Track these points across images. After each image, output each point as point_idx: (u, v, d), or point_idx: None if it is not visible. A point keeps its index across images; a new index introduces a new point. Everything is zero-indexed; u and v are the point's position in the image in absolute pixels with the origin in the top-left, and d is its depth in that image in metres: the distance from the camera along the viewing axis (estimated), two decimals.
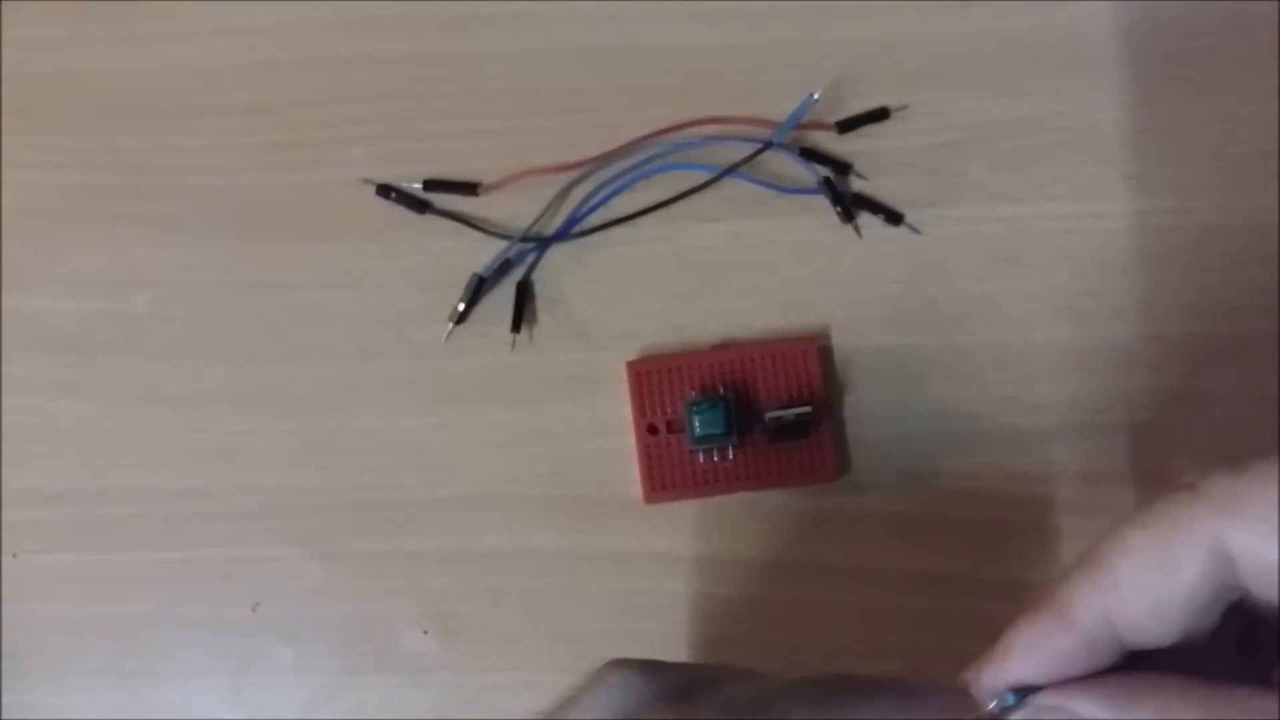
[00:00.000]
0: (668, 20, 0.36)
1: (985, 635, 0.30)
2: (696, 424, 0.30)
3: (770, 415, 0.30)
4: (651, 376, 0.32)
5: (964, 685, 0.19)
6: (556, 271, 0.34)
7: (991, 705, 0.19)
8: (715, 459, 0.31)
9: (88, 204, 0.36)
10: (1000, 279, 0.33)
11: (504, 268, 0.34)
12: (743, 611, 0.31)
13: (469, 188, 0.35)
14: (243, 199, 0.36)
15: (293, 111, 0.36)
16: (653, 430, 0.31)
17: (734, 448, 0.31)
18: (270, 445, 0.34)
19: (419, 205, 0.35)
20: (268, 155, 0.36)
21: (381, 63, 0.37)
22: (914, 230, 0.33)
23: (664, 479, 0.31)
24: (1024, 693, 0.18)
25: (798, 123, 0.33)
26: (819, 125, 0.34)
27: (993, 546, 0.31)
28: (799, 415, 0.30)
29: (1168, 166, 0.33)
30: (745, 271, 0.34)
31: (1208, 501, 0.17)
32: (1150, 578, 0.17)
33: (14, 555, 0.33)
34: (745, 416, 0.31)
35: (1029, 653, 0.18)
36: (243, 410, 0.34)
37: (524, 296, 0.34)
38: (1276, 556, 0.16)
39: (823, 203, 0.33)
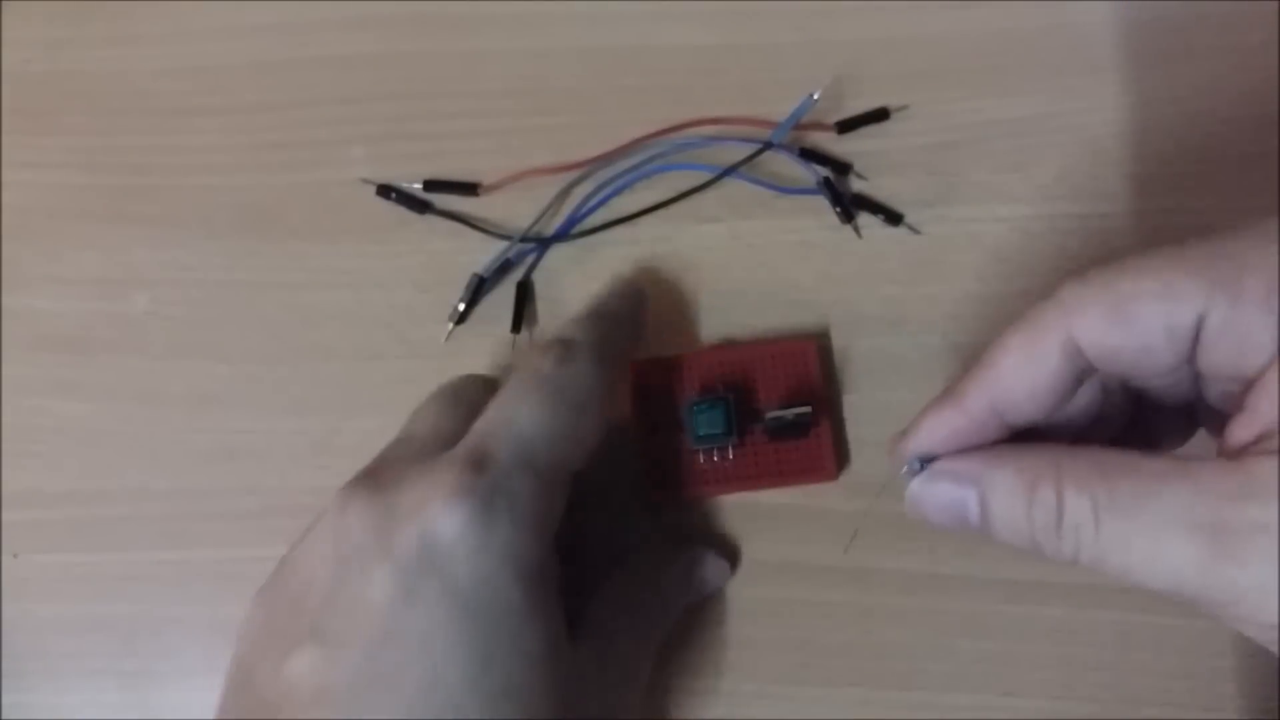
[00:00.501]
0: (668, 20, 0.36)
1: (988, 636, 0.30)
2: (698, 424, 0.30)
3: (770, 416, 0.30)
4: (653, 377, 0.32)
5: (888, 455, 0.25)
6: (557, 272, 0.34)
7: (904, 470, 0.24)
8: (716, 459, 0.31)
9: (88, 204, 0.36)
10: (1000, 279, 0.33)
11: (504, 268, 0.34)
12: (742, 611, 0.31)
13: (469, 188, 0.35)
14: (243, 199, 0.36)
15: (293, 111, 0.36)
16: (654, 430, 0.31)
17: (734, 448, 0.31)
18: (270, 445, 0.34)
19: (419, 205, 0.35)
20: (268, 155, 0.36)
21: (382, 62, 0.37)
22: (914, 230, 0.33)
23: (665, 478, 0.31)
24: (928, 462, 0.23)
25: (797, 123, 0.33)
26: (819, 125, 0.34)
27: (992, 546, 0.31)
28: (798, 415, 0.30)
29: (1168, 166, 0.33)
30: (745, 271, 0.34)
31: (1060, 306, 0.22)
32: (1023, 369, 0.22)
33: (14, 555, 0.33)
34: (745, 416, 0.31)
35: (931, 430, 0.23)
36: (243, 410, 0.34)
37: (524, 297, 0.34)
38: (1111, 340, 0.21)
39: (823, 203, 0.33)
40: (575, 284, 0.34)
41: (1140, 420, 0.26)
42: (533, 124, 0.35)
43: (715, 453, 0.31)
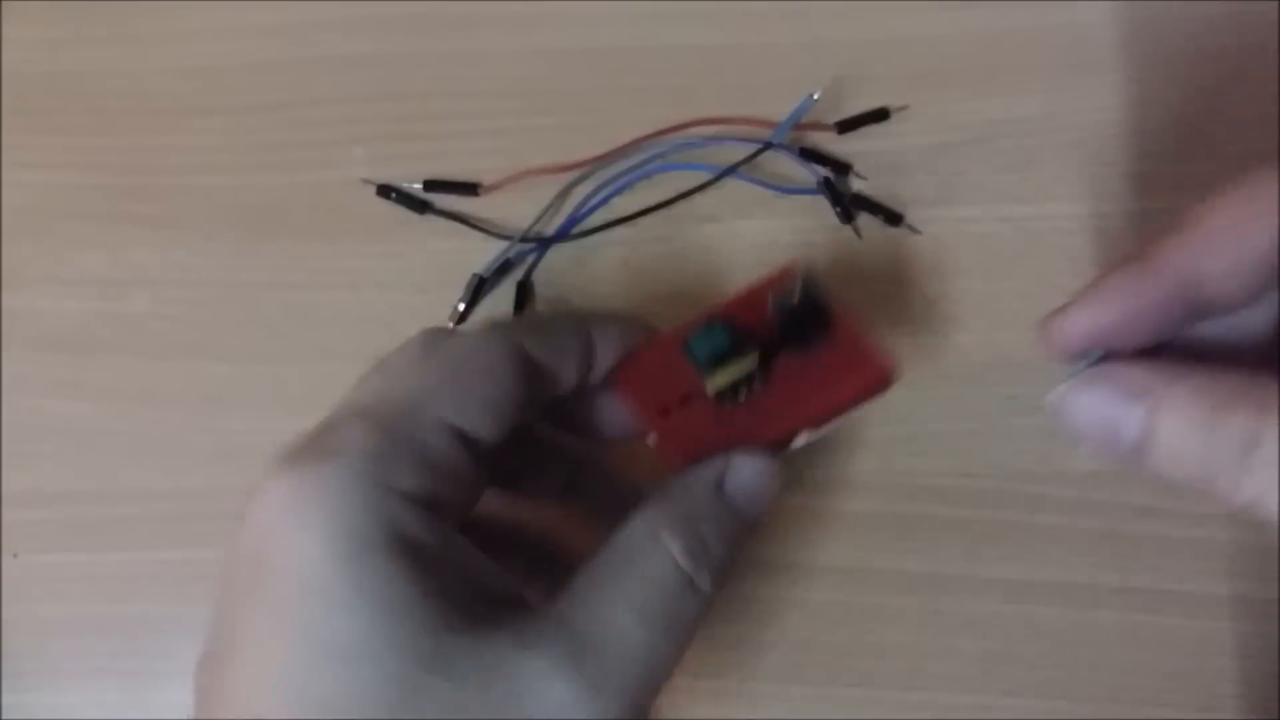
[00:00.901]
0: (668, 21, 0.36)
1: (985, 635, 0.30)
2: (699, 350, 0.25)
3: (777, 302, 0.25)
4: (634, 372, 0.27)
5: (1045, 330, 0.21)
6: (557, 272, 0.34)
7: (1073, 366, 0.20)
8: (745, 400, 0.25)
9: (88, 204, 0.36)
10: (1000, 279, 0.33)
11: (504, 268, 0.34)
12: (742, 611, 0.31)
13: (469, 188, 0.35)
14: (243, 199, 0.36)
15: (293, 111, 0.36)
16: (664, 413, 0.26)
17: (760, 380, 0.25)
18: (270, 445, 0.33)
19: (419, 205, 0.35)
20: (268, 155, 0.36)
21: (382, 63, 0.37)
22: (914, 230, 0.33)
23: (694, 447, 0.25)
24: (1098, 361, 0.20)
25: (798, 123, 0.33)
26: (819, 125, 0.34)
27: (993, 546, 0.31)
28: (805, 295, 0.25)
29: (1168, 166, 0.33)
30: (745, 272, 0.34)
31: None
32: (1232, 234, 0.19)
33: (14, 555, 0.33)
34: (750, 342, 0.25)
35: (1113, 297, 0.20)
36: (243, 410, 0.34)
37: (524, 297, 0.34)
38: None
39: (823, 203, 0.33)
40: (575, 284, 0.34)
41: None
42: (533, 124, 0.35)
43: (743, 394, 0.25)
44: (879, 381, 0.25)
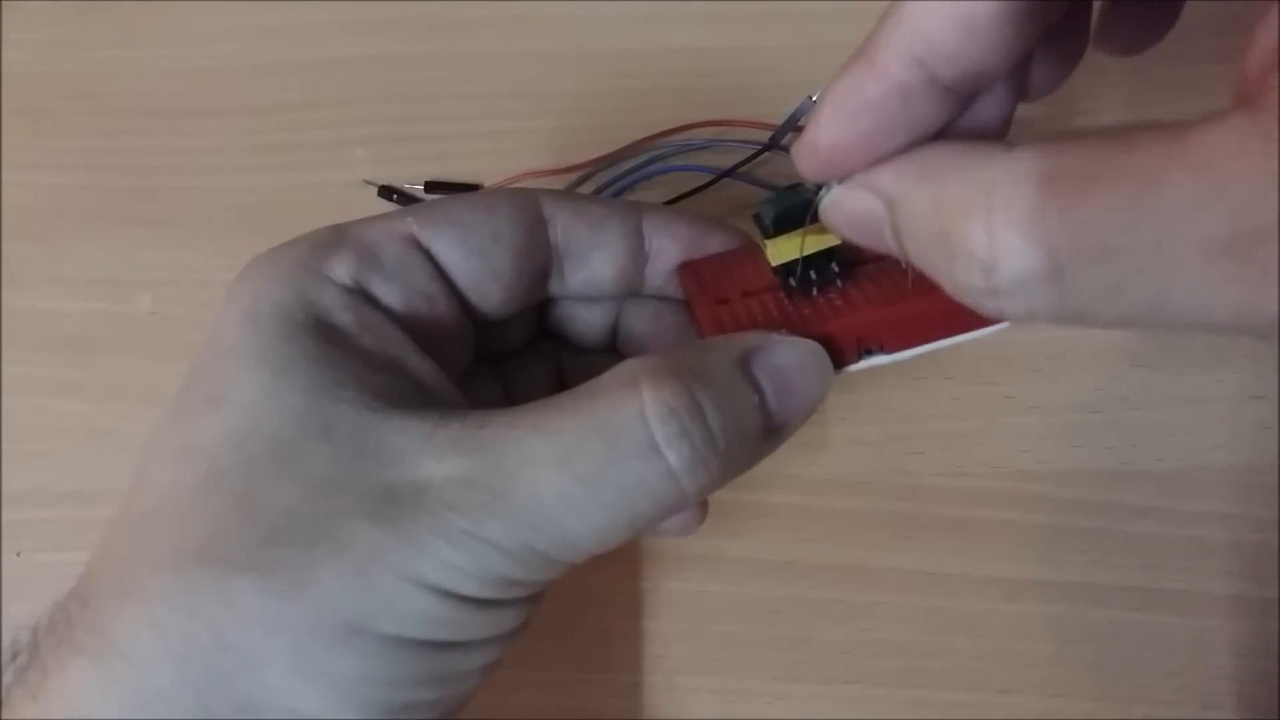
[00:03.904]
0: (668, 23, 0.36)
1: (983, 633, 0.30)
2: (767, 214, 0.21)
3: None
4: (709, 266, 0.23)
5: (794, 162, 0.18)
6: None
7: (820, 193, 0.18)
8: (818, 296, 0.21)
9: (90, 205, 0.36)
10: None
11: None
12: (741, 610, 0.31)
13: (470, 189, 0.35)
14: (245, 200, 0.36)
15: (295, 113, 0.37)
16: (722, 302, 0.22)
17: (841, 280, 0.21)
18: None
19: None
20: (270, 156, 0.36)
21: (383, 64, 0.37)
22: None
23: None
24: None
25: (797, 124, 0.33)
26: None
27: (990, 545, 0.31)
28: None
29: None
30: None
31: None
32: None
33: (17, 554, 0.33)
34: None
35: (838, 108, 0.17)
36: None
37: None
38: None
39: None
40: None
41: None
42: (534, 126, 0.35)
43: (815, 287, 0.21)
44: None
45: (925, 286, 0.19)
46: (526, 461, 0.18)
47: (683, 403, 0.18)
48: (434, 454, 0.18)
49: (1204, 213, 0.12)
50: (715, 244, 0.23)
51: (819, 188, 0.18)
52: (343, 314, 0.20)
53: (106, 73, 0.38)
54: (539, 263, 0.22)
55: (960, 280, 0.15)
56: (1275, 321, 0.13)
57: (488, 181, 0.35)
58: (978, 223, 0.14)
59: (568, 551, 0.18)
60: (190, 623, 0.17)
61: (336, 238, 0.21)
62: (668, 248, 0.23)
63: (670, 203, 0.34)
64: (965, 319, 0.20)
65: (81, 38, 0.38)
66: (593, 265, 0.23)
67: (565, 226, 0.22)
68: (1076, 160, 0.14)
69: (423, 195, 0.35)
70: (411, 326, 0.21)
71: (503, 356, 0.25)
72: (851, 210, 0.17)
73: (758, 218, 0.21)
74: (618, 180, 0.34)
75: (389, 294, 0.21)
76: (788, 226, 0.21)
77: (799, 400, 0.19)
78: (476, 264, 0.21)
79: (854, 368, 0.21)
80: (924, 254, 0.16)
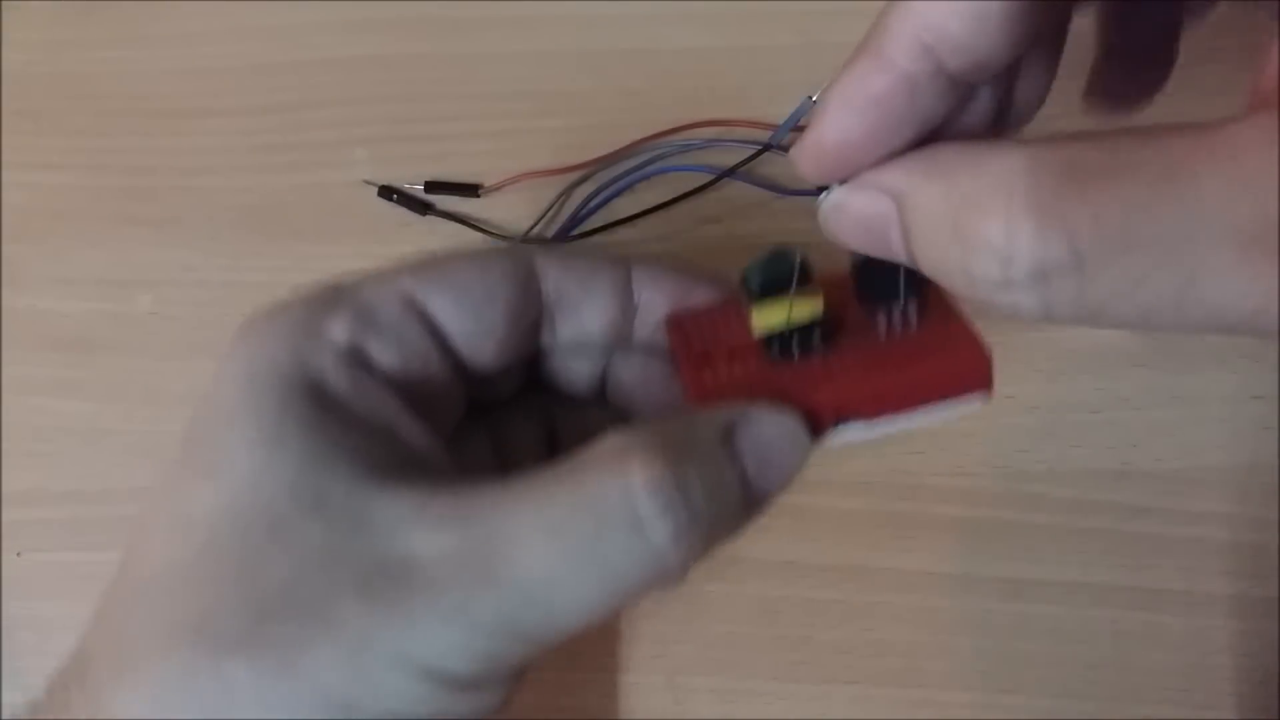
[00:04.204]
0: (668, 23, 0.36)
1: (983, 633, 0.30)
2: (752, 277, 0.20)
3: (854, 259, 0.20)
4: (696, 319, 0.23)
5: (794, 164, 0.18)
6: None
7: (820, 197, 0.17)
8: (799, 361, 0.21)
9: (90, 205, 0.36)
10: None
11: None
12: (741, 610, 0.31)
13: (471, 189, 0.35)
14: (245, 200, 0.36)
15: (295, 113, 0.37)
16: (706, 360, 0.22)
17: (823, 343, 0.21)
18: None
19: (421, 206, 0.35)
20: (270, 156, 0.36)
21: (384, 64, 0.37)
22: None
23: (720, 397, 0.21)
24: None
25: (796, 125, 0.33)
26: None
27: (990, 545, 0.31)
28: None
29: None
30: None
31: None
32: None
33: (17, 554, 0.33)
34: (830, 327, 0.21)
35: (847, 101, 0.16)
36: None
37: None
38: None
39: None
40: None
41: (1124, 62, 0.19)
42: (534, 126, 0.36)
43: (797, 351, 0.21)
44: (971, 375, 0.20)
45: (905, 357, 0.20)
46: (515, 538, 0.18)
47: (668, 479, 0.18)
48: (425, 528, 0.18)
49: (1234, 203, 0.12)
50: (702, 296, 0.23)
51: (818, 195, 0.18)
52: (338, 378, 0.20)
53: (106, 73, 0.38)
54: (531, 317, 0.23)
55: (976, 273, 0.14)
56: None
57: (488, 181, 0.35)
58: (995, 212, 0.14)
59: (555, 628, 0.18)
60: (187, 702, 0.18)
61: (335, 297, 0.21)
62: (656, 300, 0.23)
63: (670, 203, 0.34)
64: (941, 389, 0.20)
65: (81, 38, 0.38)
66: (583, 318, 0.23)
67: (556, 280, 0.22)
68: (1099, 152, 0.13)
69: (423, 195, 0.35)
70: (405, 386, 0.21)
71: (492, 408, 0.25)
72: (857, 212, 0.17)
73: (744, 281, 0.21)
74: (618, 180, 0.34)
75: (385, 355, 0.21)
76: (774, 293, 0.20)
77: (778, 473, 0.20)
78: (471, 322, 0.21)
79: (832, 438, 0.21)
80: (936, 251, 0.15)
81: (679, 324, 0.23)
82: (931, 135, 0.17)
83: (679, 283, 0.23)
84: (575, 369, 0.24)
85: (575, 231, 0.34)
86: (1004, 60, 0.16)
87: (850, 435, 0.21)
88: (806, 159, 0.17)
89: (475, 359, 0.22)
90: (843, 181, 0.17)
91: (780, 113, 0.34)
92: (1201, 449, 0.31)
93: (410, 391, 0.21)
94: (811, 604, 0.31)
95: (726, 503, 0.19)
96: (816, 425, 0.20)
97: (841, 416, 0.20)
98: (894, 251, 0.16)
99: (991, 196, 0.14)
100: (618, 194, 0.34)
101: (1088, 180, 0.13)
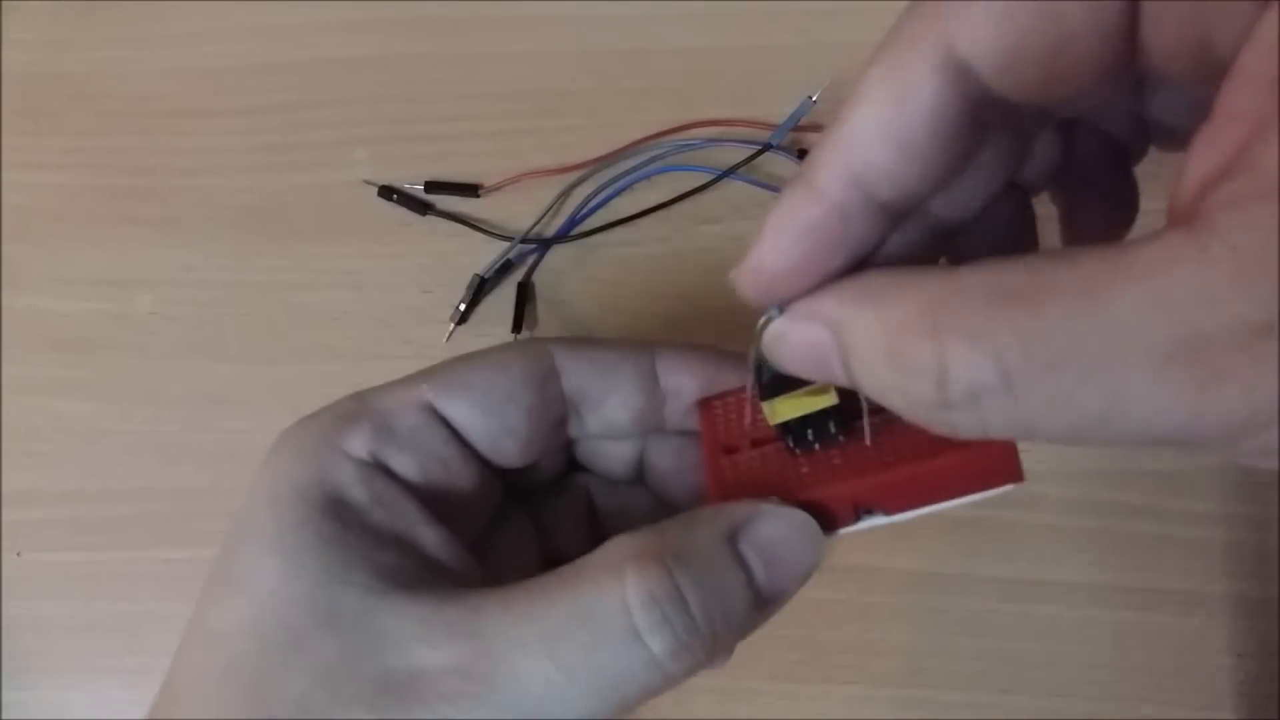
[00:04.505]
0: (668, 23, 0.36)
1: (983, 633, 0.30)
2: (765, 371, 0.20)
3: None
4: (724, 408, 0.23)
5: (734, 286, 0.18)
6: (557, 272, 0.34)
7: (760, 321, 0.18)
8: (819, 451, 0.21)
9: (91, 205, 0.36)
10: None
11: (505, 268, 0.34)
12: None
13: (470, 189, 0.35)
14: (245, 200, 0.36)
15: (295, 113, 0.37)
16: (730, 451, 0.22)
17: (842, 433, 0.20)
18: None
19: (421, 206, 0.35)
20: (270, 157, 0.36)
21: (384, 65, 0.37)
22: None
23: (736, 492, 0.21)
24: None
25: (796, 125, 0.33)
26: (817, 127, 0.34)
27: (991, 545, 0.31)
28: None
29: (1167, 166, 0.33)
30: None
31: (926, 15, 0.15)
32: (886, 113, 0.16)
33: (18, 554, 0.33)
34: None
35: (781, 231, 0.17)
36: (245, 410, 0.34)
37: (525, 297, 0.34)
38: (1008, 37, 0.14)
39: None
40: (576, 284, 0.34)
41: (1075, 208, 0.20)
42: (534, 126, 0.36)
43: (815, 442, 0.20)
44: (999, 466, 0.19)
45: (930, 446, 0.19)
46: (514, 649, 0.18)
47: (664, 589, 0.18)
48: (429, 641, 0.18)
49: (1148, 322, 0.13)
50: (732, 379, 0.23)
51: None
52: (357, 490, 0.20)
53: (106, 73, 0.38)
54: (554, 414, 0.23)
55: (912, 396, 0.15)
56: (1222, 429, 0.13)
57: (488, 181, 0.35)
58: (927, 337, 0.14)
59: None
60: None
61: (356, 409, 0.22)
62: (684, 386, 0.23)
63: (669, 203, 0.34)
64: (966, 482, 0.19)
65: (81, 38, 0.38)
66: (608, 410, 0.23)
67: (577, 375, 0.23)
68: (1021, 276, 0.14)
69: (423, 195, 0.35)
70: (427, 492, 0.21)
71: (534, 491, 0.25)
72: (797, 342, 0.17)
73: (758, 368, 0.20)
74: (618, 180, 0.34)
75: (404, 464, 0.21)
76: (786, 386, 0.20)
77: (789, 572, 0.20)
78: (492, 424, 0.22)
79: (851, 529, 0.20)
80: (874, 376, 0.16)
81: (709, 411, 0.23)
82: (870, 256, 0.17)
83: (707, 366, 0.23)
84: (612, 454, 0.25)
85: (575, 231, 0.34)
86: (932, 187, 0.16)
87: (872, 526, 0.20)
88: (746, 283, 0.18)
89: (499, 458, 0.22)
90: (782, 308, 0.17)
91: (780, 112, 0.34)
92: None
93: (433, 496, 0.21)
94: (812, 604, 0.31)
95: (730, 608, 0.19)
96: (835, 519, 0.20)
97: (861, 510, 0.20)
98: (838, 377, 0.17)
99: (921, 322, 0.14)
100: (617, 194, 0.34)
101: (1010, 302, 0.14)
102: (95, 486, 0.34)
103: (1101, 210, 0.20)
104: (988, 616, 0.31)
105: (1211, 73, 0.14)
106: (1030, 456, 0.31)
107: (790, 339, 0.17)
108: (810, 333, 0.17)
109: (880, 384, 0.16)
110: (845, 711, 0.30)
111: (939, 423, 0.15)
